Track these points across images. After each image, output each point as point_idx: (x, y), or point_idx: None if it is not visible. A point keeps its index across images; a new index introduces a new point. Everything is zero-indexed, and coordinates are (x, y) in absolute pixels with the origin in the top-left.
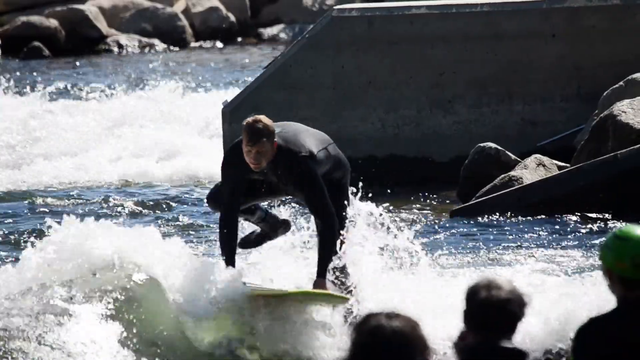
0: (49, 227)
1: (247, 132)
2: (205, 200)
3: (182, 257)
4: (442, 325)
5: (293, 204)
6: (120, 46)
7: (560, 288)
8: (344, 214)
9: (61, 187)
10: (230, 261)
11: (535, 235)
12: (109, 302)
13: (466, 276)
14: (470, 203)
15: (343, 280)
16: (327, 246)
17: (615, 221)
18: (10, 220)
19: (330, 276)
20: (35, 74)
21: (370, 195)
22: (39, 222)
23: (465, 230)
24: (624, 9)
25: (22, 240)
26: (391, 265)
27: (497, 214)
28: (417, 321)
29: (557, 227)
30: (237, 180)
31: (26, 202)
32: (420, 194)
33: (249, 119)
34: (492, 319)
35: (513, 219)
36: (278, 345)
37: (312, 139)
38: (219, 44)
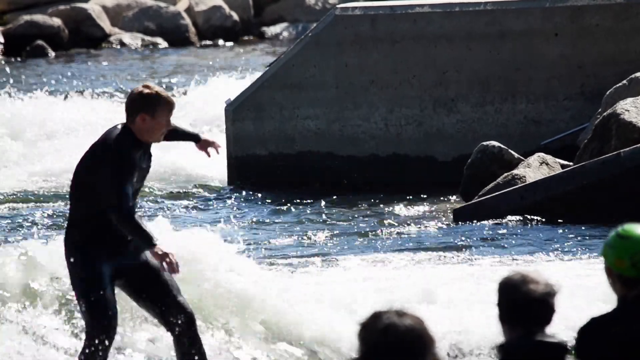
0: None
1: (168, 98)
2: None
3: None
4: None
5: None
6: (123, 45)
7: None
8: None
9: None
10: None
11: (537, 233)
12: None
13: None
14: (473, 201)
15: None
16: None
17: (617, 220)
18: (20, 220)
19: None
20: (38, 72)
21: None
22: (45, 222)
23: (468, 228)
24: (627, 7)
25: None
26: None
27: (500, 212)
28: (422, 317)
29: (559, 225)
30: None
31: (32, 203)
32: (423, 193)
33: (156, 89)
34: (535, 313)
35: (516, 218)
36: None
37: None
38: (222, 43)
